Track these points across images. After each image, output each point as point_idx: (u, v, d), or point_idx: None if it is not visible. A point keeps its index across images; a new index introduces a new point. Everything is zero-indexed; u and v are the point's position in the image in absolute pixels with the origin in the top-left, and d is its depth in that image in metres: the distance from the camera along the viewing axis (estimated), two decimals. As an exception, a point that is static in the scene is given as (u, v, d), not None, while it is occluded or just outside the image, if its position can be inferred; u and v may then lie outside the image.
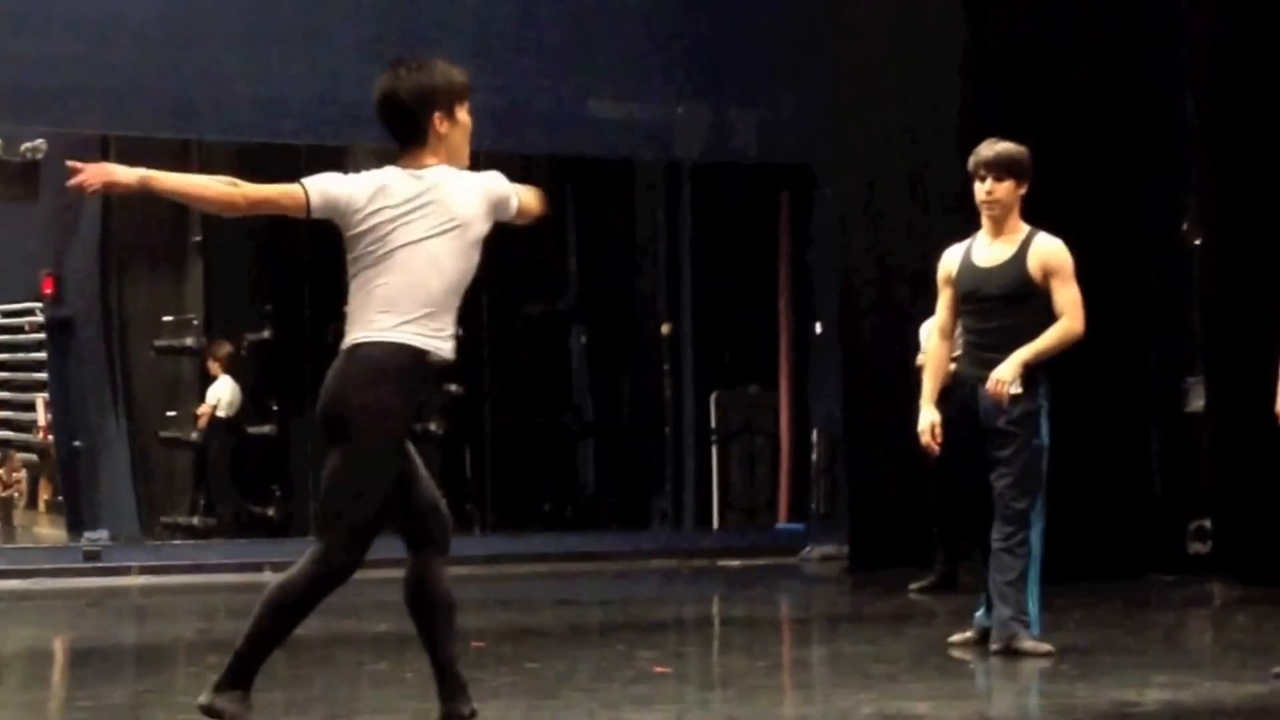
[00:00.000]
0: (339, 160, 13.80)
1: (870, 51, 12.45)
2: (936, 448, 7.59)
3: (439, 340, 5.48)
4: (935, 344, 7.76)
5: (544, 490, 15.04)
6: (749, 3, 13.86)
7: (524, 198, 5.71)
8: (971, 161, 7.66)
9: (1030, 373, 7.43)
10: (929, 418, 7.58)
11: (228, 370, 14.52)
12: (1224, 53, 10.99)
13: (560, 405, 15.18)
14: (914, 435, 7.67)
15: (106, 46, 12.43)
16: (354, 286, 5.49)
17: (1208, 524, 11.19)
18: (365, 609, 10.00)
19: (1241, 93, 10.86)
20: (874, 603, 10.55)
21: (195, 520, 14.45)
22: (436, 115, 5.51)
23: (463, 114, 5.58)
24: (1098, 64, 11.39)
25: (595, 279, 15.32)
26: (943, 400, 7.64)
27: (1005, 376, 7.38)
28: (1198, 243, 11.30)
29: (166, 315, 14.60)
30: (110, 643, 9.37)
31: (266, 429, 14.60)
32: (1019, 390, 7.40)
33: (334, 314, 14.43)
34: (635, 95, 14.07)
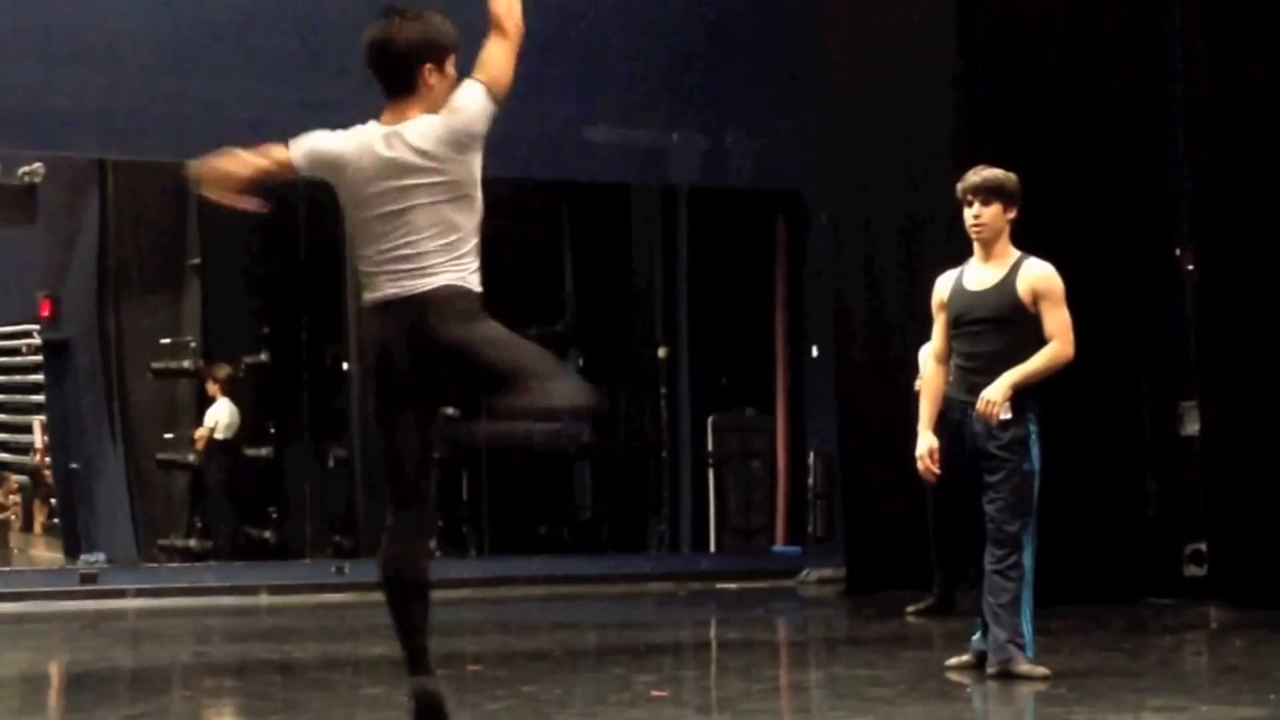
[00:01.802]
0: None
1: (864, 78, 12.48)
2: (935, 473, 7.63)
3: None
4: (931, 369, 7.80)
5: (541, 513, 15.03)
6: (745, 29, 13.89)
7: (494, 67, 5.68)
8: (959, 187, 7.73)
9: (1020, 398, 7.47)
10: (927, 443, 7.62)
11: (226, 393, 14.51)
12: (1217, 76, 11.00)
13: (557, 428, 15.14)
14: (910, 458, 7.70)
15: (104, 71, 12.45)
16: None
17: (1203, 548, 11.18)
18: (361, 633, 10.00)
19: (1235, 116, 10.87)
20: (871, 626, 10.54)
21: (192, 543, 14.43)
22: (428, 66, 5.60)
23: (450, 68, 5.68)
24: (1090, 88, 11.41)
25: (591, 303, 15.32)
26: (936, 425, 7.67)
27: (994, 398, 7.42)
28: (1191, 267, 11.32)
29: (164, 337, 14.59)
30: (106, 666, 9.33)
31: (264, 452, 14.59)
32: (1009, 415, 7.44)
33: (332, 337, 14.52)
34: (631, 120, 14.09)
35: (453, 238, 5.57)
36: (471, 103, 5.58)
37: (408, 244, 5.56)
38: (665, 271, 15.07)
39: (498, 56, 5.66)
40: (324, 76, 12.82)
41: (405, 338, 5.55)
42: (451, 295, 5.55)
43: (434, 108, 5.60)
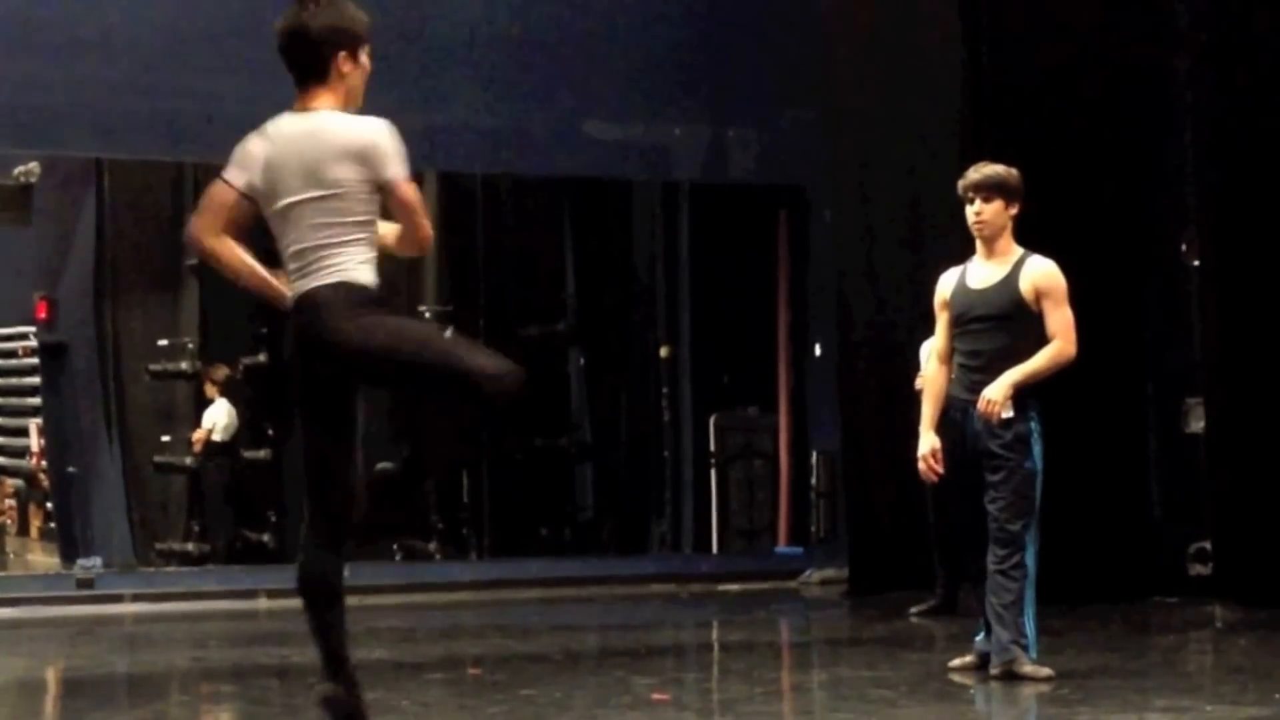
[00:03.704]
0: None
1: (868, 72, 12.44)
2: (937, 474, 7.57)
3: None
4: (934, 369, 7.75)
5: (541, 514, 14.97)
6: (746, 24, 13.84)
7: (404, 191, 5.50)
8: (960, 185, 7.71)
9: (1021, 396, 7.44)
10: (929, 443, 7.57)
11: (224, 394, 14.45)
12: (1222, 72, 10.97)
13: (558, 428, 15.12)
14: (912, 458, 7.66)
15: (100, 69, 12.39)
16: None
17: (1208, 546, 11.14)
18: (360, 636, 9.95)
19: (1240, 111, 10.85)
20: (873, 626, 10.50)
21: (190, 547, 14.36)
22: (342, 54, 5.55)
23: (365, 58, 5.62)
24: (1095, 85, 11.38)
25: (593, 301, 15.27)
26: (939, 424, 7.64)
27: (996, 397, 7.39)
28: (1196, 263, 11.28)
29: (161, 339, 14.53)
30: (103, 672, 9.29)
31: (262, 454, 14.52)
32: (1010, 413, 7.40)
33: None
34: (632, 116, 14.04)
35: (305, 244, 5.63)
36: (384, 149, 5.48)
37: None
38: (667, 269, 15.01)
39: (409, 195, 5.53)
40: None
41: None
42: None
43: (348, 98, 5.58)
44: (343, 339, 5.44)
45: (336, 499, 5.63)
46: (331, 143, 5.46)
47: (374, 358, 5.47)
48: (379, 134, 5.47)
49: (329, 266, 5.47)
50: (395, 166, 5.46)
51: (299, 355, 5.55)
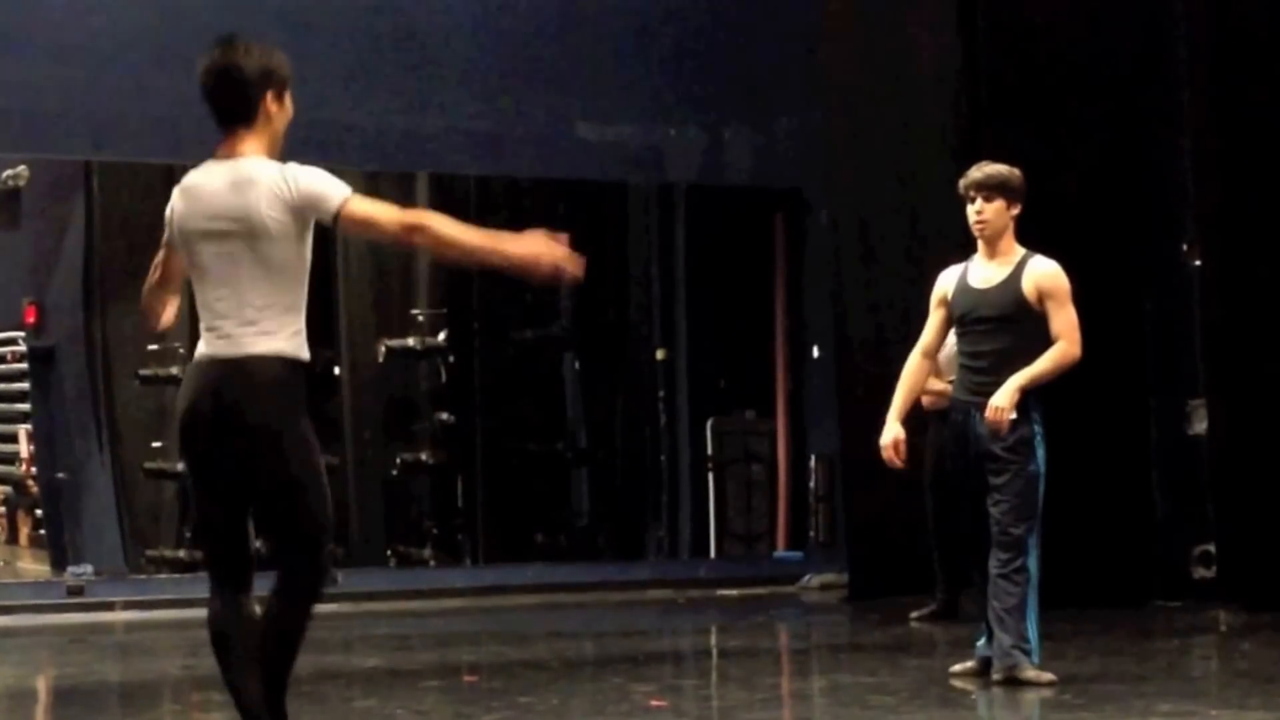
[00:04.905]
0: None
1: (865, 73, 12.39)
2: (899, 463, 7.52)
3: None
4: (915, 362, 7.72)
5: (537, 520, 14.91)
6: (742, 24, 13.78)
7: (370, 211, 5.39)
8: (961, 184, 7.69)
9: (1025, 398, 7.40)
10: (892, 434, 7.56)
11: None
12: (1222, 72, 10.94)
13: (553, 433, 15.06)
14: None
15: (89, 71, 12.31)
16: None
17: (1212, 549, 11.09)
18: (354, 644, 9.90)
19: (1241, 112, 10.81)
20: (874, 632, 10.47)
21: (181, 553, 14.26)
22: (270, 95, 5.48)
23: (289, 101, 5.55)
24: (1094, 85, 11.34)
25: (588, 304, 15.20)
26: (939, 426, 7.60)
27: (1003, 404, 7.36)
28: (1198, 264, 11.23)
29: (151, 344, 14.44)
30: (94, 680, 9.23)
31: (254, 459, 14.43)
32: (1013, 415, 7.36)
33: (321, 341, 14.34)
34: (627, 118, 13.99)
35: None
36: (319, 187, 5.38)
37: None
38: (663, 272, 14.95)
39: (382, 211, 5.40)
40: (314, 74, 12.68)
41: None
42: None
43: (272, 142, 5.48)
44: (268, 429, 5.29)
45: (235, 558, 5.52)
46: (267, 193, 5.32)
47: (276, 474, 5.32)
48: (309, 175, 5.36)
49: (267, 331, 5.34)
50: (335, 193, 5.34)
51: (210, 421, 5.34)
